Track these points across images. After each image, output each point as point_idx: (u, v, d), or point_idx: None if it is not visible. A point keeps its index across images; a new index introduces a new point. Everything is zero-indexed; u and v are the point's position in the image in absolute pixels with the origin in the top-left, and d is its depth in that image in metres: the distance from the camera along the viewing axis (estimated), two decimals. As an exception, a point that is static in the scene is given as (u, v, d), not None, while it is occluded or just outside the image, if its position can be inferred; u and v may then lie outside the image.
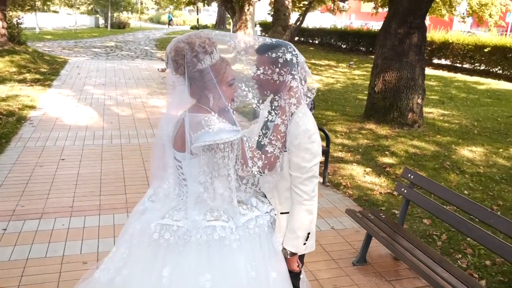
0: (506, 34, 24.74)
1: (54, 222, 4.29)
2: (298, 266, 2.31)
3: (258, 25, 29.82)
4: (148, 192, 2.39)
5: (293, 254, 2.26)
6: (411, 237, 3.56)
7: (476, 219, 3.66)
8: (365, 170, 6.13)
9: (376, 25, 31.31)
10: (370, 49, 24.65)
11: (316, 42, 29.75)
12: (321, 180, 5.68)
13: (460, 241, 4.27)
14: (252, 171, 2.07)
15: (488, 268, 3.84)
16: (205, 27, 37.51)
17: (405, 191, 3.85)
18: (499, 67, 17.48)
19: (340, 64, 19.28)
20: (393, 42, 8.09)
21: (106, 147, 6.72)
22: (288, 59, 2.13)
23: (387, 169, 6.23)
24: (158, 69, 14.61)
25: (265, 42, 2.15)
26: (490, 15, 20.73)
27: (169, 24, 50.24)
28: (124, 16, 46.20)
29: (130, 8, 46.97)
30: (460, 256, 4.02)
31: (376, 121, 8.39)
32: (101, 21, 42.86)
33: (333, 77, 15.42)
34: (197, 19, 22.17)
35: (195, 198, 2.10)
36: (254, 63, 2.17)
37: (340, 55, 23.58)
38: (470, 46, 18.48)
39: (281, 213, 2.26)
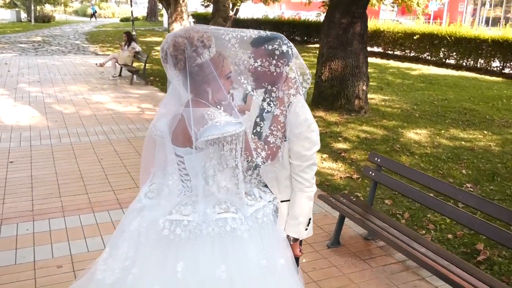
0: (430, 22, 26.11)
1: (17, 227, 4.07)
2: (300, 251, 2.37)
3: (190, 17, 29.43)
4: (143, 189, 2.34)
5: (295, 240, 2.31)
6: (384, 217, 3.74)
7: (441, 196, 3.91)
8: (322, 157, 6.31)
9: (307, 15, 31.91)
10: (305, 38, 25.16)
11: (251, 32, 29.83)
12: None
13: (421, 218, 4.53)
14: (256, 161, 2.09)
15: (450, 241, 4.11)
16: (136, 19, 36.50)
17: (373, 174, 4.02)
18: (427, 53, 18.49)
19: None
20: (337, 31, 8.33)
21: (55, 147, 6.43)
22: (284, 50, 2.16)
23: (342, 154, 6.45)
24: (96, 64, 14.07)
25: (261, 35, 2.17)
26: (418, 4, 21.84)
27: (92, 16, 48.07)
28: (47, 9, 43.89)
29: (53, 1, 44.71)
30: (424, 232, 4.27)
31: (325, 108, 8.62)
32: (23, 15, 40.43)
33: (274, 67, 15.58)
34: (131, 12, 21.47)
35: (201, 192, 2.09)
36: (251, 56, 2.18)
37: (277, 45, 23.83)
38: (400, 34, 19.38)
39: (282, 201, 2.31)
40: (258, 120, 2.32)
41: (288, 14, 40.32)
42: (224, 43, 2.13)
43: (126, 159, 6.04)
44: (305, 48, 21.95)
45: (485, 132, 7.81)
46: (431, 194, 3.78)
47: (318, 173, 5.63)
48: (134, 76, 11.76)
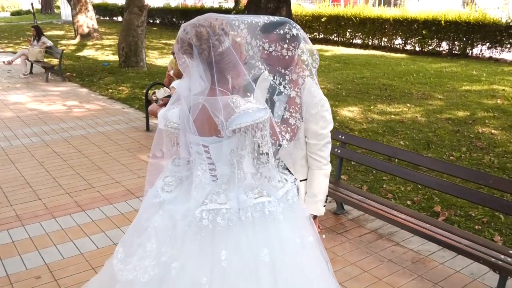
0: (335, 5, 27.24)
1: (-26, 243, 3.73)
2: (319, 227, 2.47)
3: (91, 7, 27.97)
4: (158, 184, 2.29)
5: (314, 217, 2.40)
6: (356, 189, 3.96)
7: (410, 164, 4.22)
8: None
9: (209, 1, 31.78)
10: (215, 25, 25.02)
11: (158, 21, 29.15)
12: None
13: (379, 189, 4.85)
14: (282, 144, 2.14)
15: (410, 206, 4.45)
16: (29, 12, 33.91)
17: (339, 151, 4.22)
18: (335, 35, 19.34)
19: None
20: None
21: (-15, 153, 5.89)
22: (295, 34, 2.22)
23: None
24: (3, 62, 12.92)
25: (271, 20, 2.21)
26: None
27: None
28: None
29: None
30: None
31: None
32: None
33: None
34: (31, 4, 19.93)
35: (232, 179, 2.10)
36: (264, 41, 2.20)
37: (188, 33, 23.47)
38: (308, 17, 20.03)
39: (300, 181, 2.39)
40: (269, 104, 2.36)
41: (190, 1, 39.80)
42: (235, 30, 2.14)
43: (70, 159, 5.71)
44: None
45: (408, 105, 8.43)
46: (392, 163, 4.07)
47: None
48: (49, 72, 11.00)
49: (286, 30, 2.20)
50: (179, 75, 5.84)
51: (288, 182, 2.18)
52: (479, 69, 12.40)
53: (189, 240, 2.02)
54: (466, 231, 3.33)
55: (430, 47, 16.23)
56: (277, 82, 2.25)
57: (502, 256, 2.84)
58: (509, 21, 14.32)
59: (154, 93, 6.77)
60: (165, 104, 6.14)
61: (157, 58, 14.75)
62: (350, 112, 7.94)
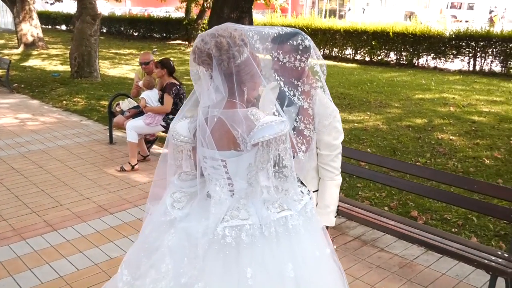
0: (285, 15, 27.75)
1: None
2: (331, 238, 2.45)
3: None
4: (166, 200, 2.19)
5: (326, 227, 2.39)
6: (342, 198, 3.99)
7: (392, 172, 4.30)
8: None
9: (156, 11, 31.38)
10: (164, 35, 24.77)
11: (104, 30, 28.40)
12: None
13: (355, 196, 4.91)
14: (298, 156, 2.12)
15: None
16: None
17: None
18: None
19: (142, 52, 18.88)
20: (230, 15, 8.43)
21: None
22: (307, 45, 2.21)
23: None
24: None
25: (285, 31, 2.20)
26: (276, -1, 23.14)
27: None
28: None
29: None
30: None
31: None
32: None
33: (145, 66, 15.11)
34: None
35: (248, 194, 2.05)
36: (278, 52, 2.18)
37: (136, 43, 23.06)
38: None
39: (311, 192, 2.37)
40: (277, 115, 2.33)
41: (135, 10, 39.10)
42: (250, 40, 2.11)
43: (32, 176, 5.40)
44: (167, 45, 21.63)
45: (368, 113, 8.65)
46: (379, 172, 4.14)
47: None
48: (-4, 84, 10.42)
49: (299, 41, 2.19)
50: (148, 86, 5.70)
51: (305, 194, 2.15)
52: (427, 78, 12.96)
53: (212, 258, 1.94)
54: (457, 235, 3.43)
55: (379, 57, 16.79)
56: (292, 93, 2.22)
57: (493, 258, 2.94)
58: (452, 33, 15.11)
59: (118, 104, 6.56)
60: (132, 116, 5.96)
61: (109, 68, 14.34)
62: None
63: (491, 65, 14.45)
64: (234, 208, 2.02)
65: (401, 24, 16.75)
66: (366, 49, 17.05)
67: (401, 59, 16.36)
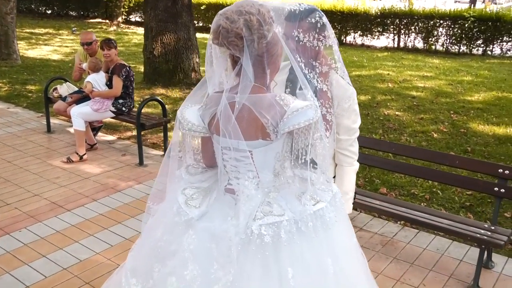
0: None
1: None
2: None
3: None
4: (178, 198, 1.96)
5: (343, 216, 2.28)
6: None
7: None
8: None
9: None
10: (82, 13, 23.24)
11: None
12: (163, 153, 5.44)
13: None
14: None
15: (358, 191, 4.56)
16: None
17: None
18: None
19: (60, 32, 17.60)
20: (166, 3, 8.01)
21: None
22: (325, 22, 2.05)
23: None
24: None
25: (300, 7, 2.01)
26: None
27: None
28: None
29: None
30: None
31: (163, 85, 8.29)
32: None
33: (67, 46, 14.11)
34: None
35: (276, 186, 1.88)
36: (299, 31, 2.00)
37: (52, 21, 21.40)
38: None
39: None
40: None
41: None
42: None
43: (-36, 173, 4.79)
44: (86, 24, 20.29)
45: (312, 91, 8.67)
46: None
47: (200, 151, 5.48)
48: None
49: (317, 18, 2.02)
50: (95, 68, 5.23)
51: (331, 183, 2.01)
52: (358, 55, 13.28)
53: (248, 261, 1.75)
54: (443, 211, 3.49)
55: (308, 35, 16.93)
56: (311, 75, 2.05)
57: (482, 231, 3.01)
58: (377, 11, 15.58)
59: (55, 89, 5.99)
60: (75, 102, 5.47)
61: (27, 50, 13.17)
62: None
63: (414, 42, 15.13)
64: (265, 203, 1.84)
65: (329, 2, 16.95)
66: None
67: (330, 37, 16.62)
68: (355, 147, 2.23)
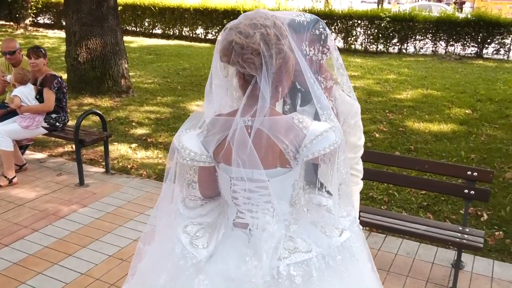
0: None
1: None
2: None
3: None
4: (181, 238, 1.71)
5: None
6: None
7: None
8: (130, 147, 5.73)
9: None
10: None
11: None
12: (104, 169, 5.01)
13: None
14: None
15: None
16: None
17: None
18: (132, 24, 18.45)
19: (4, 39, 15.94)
20: (90, 6, 7.44)
21: None
22: (328, 33, 1.90)
23: (149, 140, 6.01)
24: None
25: (305, 17, 1.84)
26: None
27: None
28: None
29: None
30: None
31: (91, 94, 7.71)
32: None
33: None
34: None
35: (294, 217, 1.70)
36: (305, 44, 1.82)
37: None
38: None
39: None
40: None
41: None
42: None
43: None
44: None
45: (248, 94, 8.54)
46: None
47: (144, 166, 5.14)
48: None
49: (321, 29, 1.86)
50: (22, 80, 4.67)
51: (351, 209, 1.86)
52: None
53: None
54: (418, 217, 3.50)
55: (231, 36, 16.82)
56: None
57: (459, 234, 3.04)
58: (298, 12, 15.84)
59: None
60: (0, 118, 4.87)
61: None
62: (199, 107, 7.63)
63: (334, 41, 15.54)
64: (287, 239, 1.64)
65: (251, 3, 16.96)
66: (218, 28, 16.93)
67: (253, 38, 16.63)
68: (360, 165, 2.11)
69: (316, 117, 1.75)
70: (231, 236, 1.70)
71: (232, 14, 16.30)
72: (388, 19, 14.37)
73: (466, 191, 3.18)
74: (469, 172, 3.18)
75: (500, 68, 12.01)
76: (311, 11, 15.56)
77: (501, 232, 3.84)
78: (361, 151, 2.08)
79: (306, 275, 1.56)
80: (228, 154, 1.60)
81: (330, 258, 1.63)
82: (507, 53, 14.00)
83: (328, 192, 1.91)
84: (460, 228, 3.14)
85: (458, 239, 2.98)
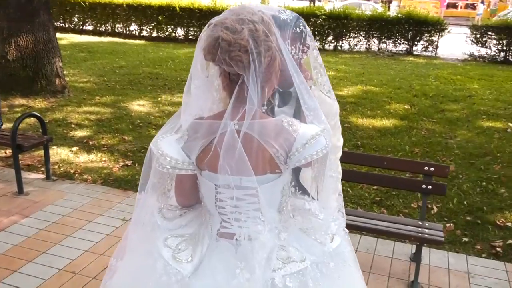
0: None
1: None
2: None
3: None
4: (162, 253, 1.58)
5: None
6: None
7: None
8: (71, 150, 5.39)
9: None
10: None
11: None
12: (45, 176, 4.67)
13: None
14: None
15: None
16: None
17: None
18: (61, 20, 17.53)
19: None
20: (19, 0, 6.92)
21: None
22: (308, 31, 1.83)
23: (90, 142, 5.69)
24: None
25: (289, 15, 1.76)
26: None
27: None
28: None
29: None
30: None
31: (22, 94, 7.19)
32: None
33: None
34: None
35: (285, 225, 1.62)
36: (287, 42, 1.73)
37: None
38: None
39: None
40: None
41: None
42: None
43: None
44: None
45: (191, 93, 8.34)
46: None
47: (89, 170, 4.86)
48: None
49: (301, 27, 1.78)
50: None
51: (339, 212, 1.81)
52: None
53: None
54: (379, 214, 3.52)
55: (166, 33, 16.47)
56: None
57: (420, 229, 3.11)
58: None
59: None
60: None
61: None
62: (141, 106, 7.35)
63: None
64: (279, 248, 1.56)
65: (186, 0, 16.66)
66: (152, 24, 16.50)
67: (189, 35, 16.38)
68: (340, 167, 2.06)
69: (295, 118, 1.69)
70: (217, 248, 1.60)
71: (168, 10, 15.96)
72: (323, 16, 14.66)
73: (423, 186, 3.25)
74: (426, 168, 3.25)
75: (430, 64, 12.63)
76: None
77: (451, 224, 3.99)
78: (340, 153, 2.04)
79: (302, 285, 1.49)
80: (214, 160, 1.49)
81: (323, 265, 1.57)
82: (435, 50, 14.74)
83: (308, 195, 1.86)
84: (420, 223, 3.21)
85: (420, 234, 3.03)
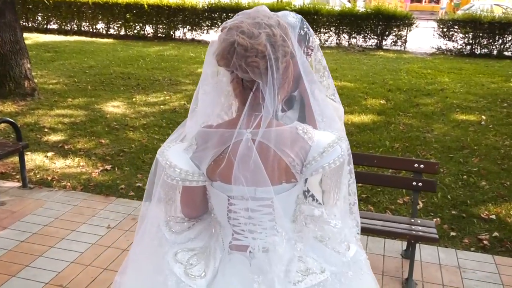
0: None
1: None
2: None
3: None
4: (174, 269, 1.50)
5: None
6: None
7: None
8: (46, 156, 5.19)
9: None
10: None
11: None
12: (21, 184, 4.48)
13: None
14: None
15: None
16: None
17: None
18: (24, 19, 16.93)
19: None
20: (-19, -1, 6.63)
21: None
22: (312, 33, 1.79)
23: (66, 146, 5.49)
24: None
25: (291, 17, 1.72)
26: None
27: None
28: None
29: None
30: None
31: (-10, 98, 6.90)
32: None
33: None
34: None
35: (300, 235, 1.57)
36: None
37: None
38: None
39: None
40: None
41: None
42: None
43: None
44: None
45: (165, 92, 8.20)
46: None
47: (66, 176, 4.70)
48: None
49: (305, 29, 1.74)
50: None
51: (351, 223, 1.77)
52: (193, 51, 13.12)
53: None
54: (370, 212, 3.51)
55: (135, 31, 16.14)
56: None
57: (413, 226, 3.12)
58: (204, 5, 15.58)
59: None
60: None
61: None
62: (116, 107, 7.16)
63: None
64: (296, 259, 1.51)
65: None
66: (120, 22, 16.15)
67: (158, 32, 16.11)
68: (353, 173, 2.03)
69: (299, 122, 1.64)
70: (230, 261, 1.53)
71: (135, 7, 15.64)
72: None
73: (414, 183, 3.26)
74: (416, 165, 3.27)
75: (400, 59, 12.82)
76: (217, 4, 15.42)
77: (438, 219, 4.03)
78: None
79: (327, 297, 1.45)
80: (227, 170, 1.43)
81: (342, 275, 1.53)
82: (404, 44, 14.97)
83: (316, 201, 1.81)
84: (412, 220, 3.22)
85: (414, 232, 3.04)
